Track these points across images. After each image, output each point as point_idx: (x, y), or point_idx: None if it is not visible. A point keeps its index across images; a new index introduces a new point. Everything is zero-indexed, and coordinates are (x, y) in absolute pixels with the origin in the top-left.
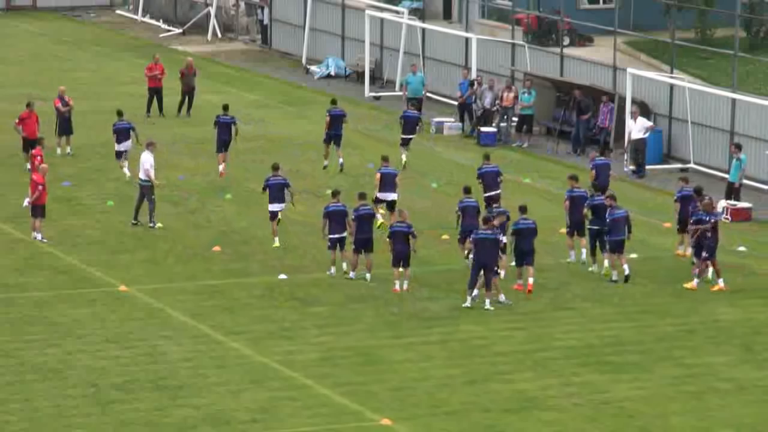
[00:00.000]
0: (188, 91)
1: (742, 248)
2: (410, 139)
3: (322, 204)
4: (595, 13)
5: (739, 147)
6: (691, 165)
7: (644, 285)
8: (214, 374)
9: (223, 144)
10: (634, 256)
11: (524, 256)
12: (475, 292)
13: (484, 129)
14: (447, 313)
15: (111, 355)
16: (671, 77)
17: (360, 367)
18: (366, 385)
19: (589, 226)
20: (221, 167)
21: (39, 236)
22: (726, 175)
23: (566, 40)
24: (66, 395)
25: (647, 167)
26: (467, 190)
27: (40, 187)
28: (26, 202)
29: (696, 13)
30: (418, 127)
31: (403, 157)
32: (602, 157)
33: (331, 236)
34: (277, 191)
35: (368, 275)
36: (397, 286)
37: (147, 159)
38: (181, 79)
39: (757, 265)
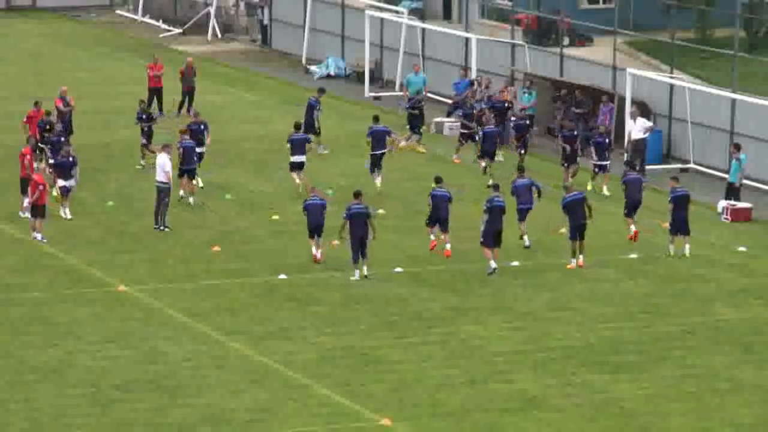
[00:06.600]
0: (188, 91)
1: (742, 248)
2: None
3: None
4: (595, 13)
5: (738, 147)
6: (691, 165)
7: (644, 285)
8: (214, 374)
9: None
10: (634, 256)
11: (441, 222)
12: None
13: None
14: (446, 313)
15: (111, 355)
16: (671, 77)
17: (359, 367)
18: (365, 385)
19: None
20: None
21: (39, 236)
22: (726, 175)
23: (566, 40)
24: (66, 395)
25: (647, 167)
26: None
27: (40, 187)
28: (26, 202)
29: (696, 13)
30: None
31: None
32: (633, 173)
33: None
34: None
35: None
36: (314, 251)
37: (165, 161)
38: (182, 79)
39: (757, 265)
